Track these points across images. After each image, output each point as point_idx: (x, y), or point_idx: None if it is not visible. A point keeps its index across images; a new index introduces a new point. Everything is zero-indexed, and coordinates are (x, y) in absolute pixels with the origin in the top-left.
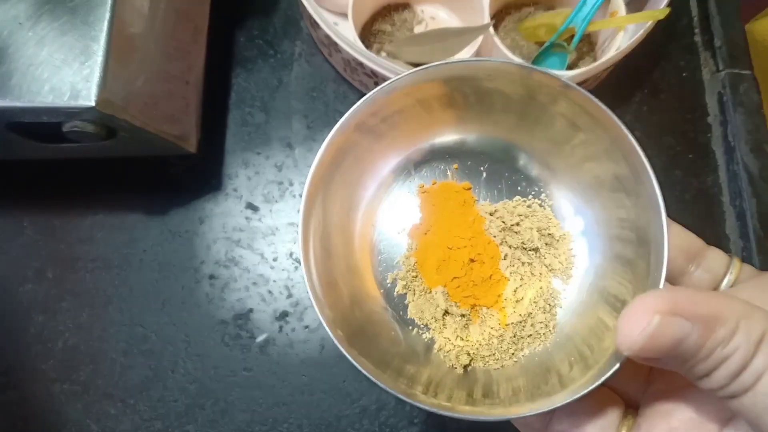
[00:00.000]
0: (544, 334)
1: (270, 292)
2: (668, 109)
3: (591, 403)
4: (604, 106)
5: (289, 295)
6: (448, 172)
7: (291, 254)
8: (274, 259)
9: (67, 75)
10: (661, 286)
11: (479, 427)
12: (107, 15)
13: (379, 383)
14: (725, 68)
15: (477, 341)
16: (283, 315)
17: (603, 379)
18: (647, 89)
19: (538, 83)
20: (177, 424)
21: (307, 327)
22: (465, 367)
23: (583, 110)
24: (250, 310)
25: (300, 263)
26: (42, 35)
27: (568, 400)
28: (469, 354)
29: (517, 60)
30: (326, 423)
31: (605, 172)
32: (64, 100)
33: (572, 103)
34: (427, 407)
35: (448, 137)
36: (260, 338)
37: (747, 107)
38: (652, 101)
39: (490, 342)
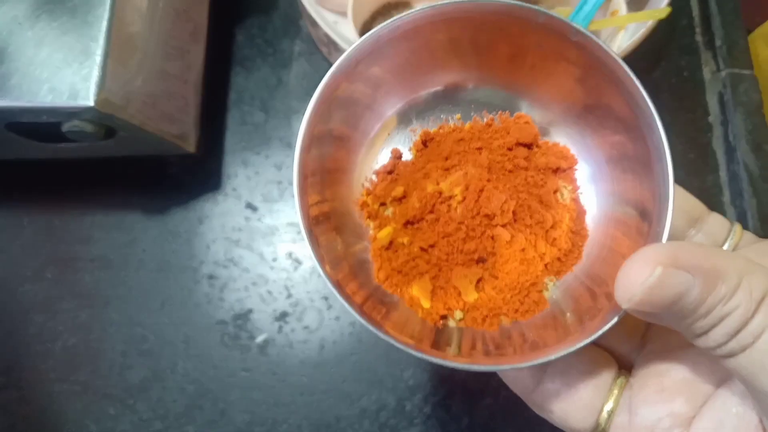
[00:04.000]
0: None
1: (269, 292)
2: (669, 108)
3: (584, 363)
4: (616, 57)
5: (289, 296)
6: (450, 122)
7: (290, 254)
8: (274, 260)
9: (67, 75)
10: (665, 240)
11: (480, 422)
12: (106, 15)
13: (371, 328)
14: (726, 68)
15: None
16: (283, 315)
17: (599, 333)
18: (648, 89)
19: (546, 28)
20: (176, 425)
21: (306, 327)
22: (459, 320)
23: (596, 63)
24: (250, 311)
25: (300, 263)
26: (41, 35)
27: (560, 354)
28: (462, 310)
29: (529, 5)
30: (326, 424)
31: (612, 127)
32: (63, 100)
33: (584, 54)
34: (419, 354)
35: (451, 85)
36: (259, 338)
37: (747, 107)
38: (652, 101)
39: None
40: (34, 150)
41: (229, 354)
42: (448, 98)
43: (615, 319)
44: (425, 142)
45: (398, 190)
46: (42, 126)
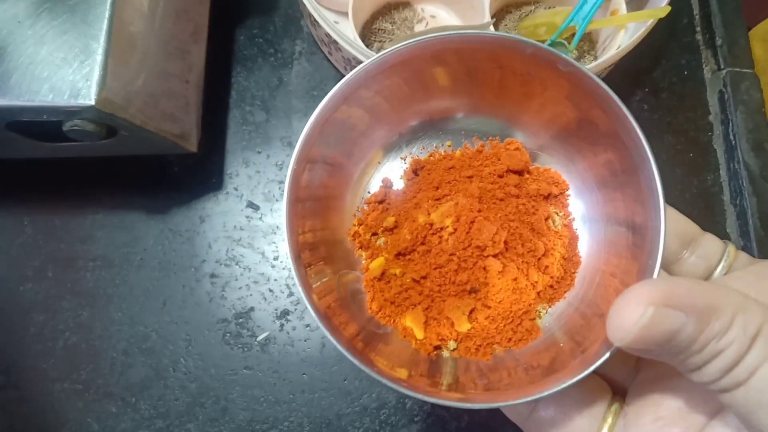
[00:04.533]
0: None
1: (271, 290)
2: (669, 107)
3: (578, 390)
4: (606, 87)
5: (290, 294)
6: (441, 149)
7: None
8: (275, 258)
9: (67, 74)
10: (656, 275)
11: (480, 420)
12: (107, 14)
13: (360, 365)
14: (726, 67)
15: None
16: (284, 313)
17: (591, 368)
18: (648, 88)
19: (535, 58)
20: (178, 423)
21: (307, 326)
22: (453, 350)
23: (583, 91)
24: (251, 309)
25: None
26: (41, 34)
27: (554, 390)
28: (455, 340)
29: (515, 35)
30: (327, 421)
31: (602, 155)
32: (64, 99)
33: (571, 84)
34: (411, 392)
35: (441, 113)
36: (261, 337)
37: (748, 106)
38: (652, 100)
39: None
40: (35, 149)
41: (231, 352)
42: (438, 126)
43: (606, 355)
44: (416, 170)
45: (389, 221)
46: (43, 125)
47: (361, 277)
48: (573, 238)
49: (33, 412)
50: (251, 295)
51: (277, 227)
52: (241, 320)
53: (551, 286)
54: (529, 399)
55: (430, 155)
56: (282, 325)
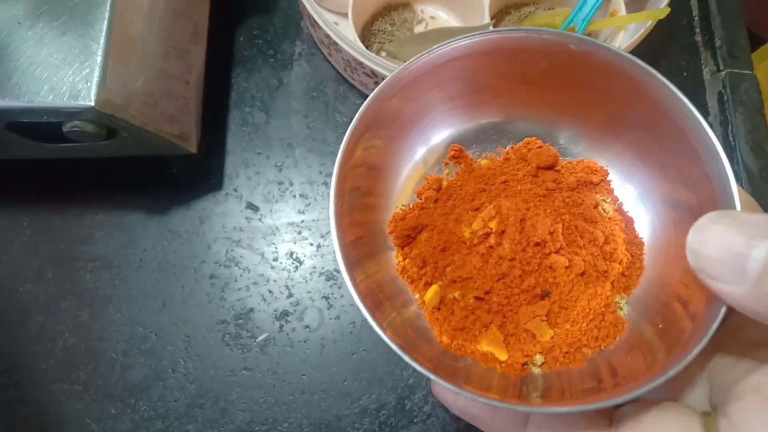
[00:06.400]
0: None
1: (270, 291)
2: None
3: (577, 419)
4: (674, 88)
5: (290, 295)
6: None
7: (291, 254)
8: (275, 259)
9: (67, 75)
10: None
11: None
12: (106, 14)
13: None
14: (726, 68)
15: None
16: (284, 315)
17: (703, 341)
18: None
19: (590, 55)
20: (177, 424)
21: (307, 327)
22: (542, 365)
23: (640, 88)
24: (251, 310)
25: (301, 263)
26: (41, 35)
27: (639, 391)
28: (541, 354)
29: (573, 34)
30: (326, 422)
31: (637, 131)
32: (63, 100)
33: (628, 78)
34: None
35: (496, 116)
36: (260, 338)
37: (747, 107)
38: None
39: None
40: (35, 150)
41: (230, 353)
42: (493, 129)
43: (698, 349)
44: (438, 189)
45: (427, 239)
46: (42, 126)
47: (421, 313)
48: (629, 221)
49: (32, 413)
50: (250, 296)
51: (277, 228)
52: (240, 321)
53: (623, 274)
54: (594, 407)
55: (457, 175)
56: (281, 327)
